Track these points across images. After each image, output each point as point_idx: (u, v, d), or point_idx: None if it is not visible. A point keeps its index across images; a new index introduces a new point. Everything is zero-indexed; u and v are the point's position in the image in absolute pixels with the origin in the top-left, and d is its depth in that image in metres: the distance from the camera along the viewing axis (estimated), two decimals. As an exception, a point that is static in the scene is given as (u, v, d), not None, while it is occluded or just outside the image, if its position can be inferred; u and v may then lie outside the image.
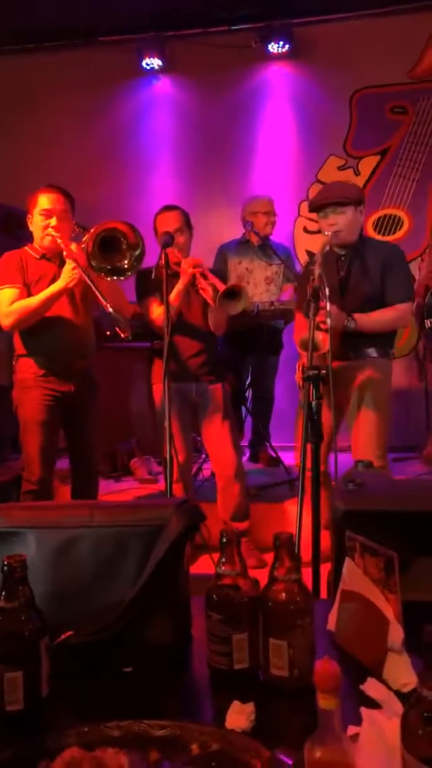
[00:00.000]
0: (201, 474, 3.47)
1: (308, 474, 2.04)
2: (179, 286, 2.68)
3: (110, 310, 2.34)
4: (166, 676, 0.98)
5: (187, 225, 2.83)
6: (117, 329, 2.39)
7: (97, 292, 2.36)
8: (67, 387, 2.61)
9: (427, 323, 3.47)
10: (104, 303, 2.34)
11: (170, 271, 2.80)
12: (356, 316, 2.49)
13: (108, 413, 3.02)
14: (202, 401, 2.86)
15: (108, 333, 3.59)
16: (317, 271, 2.19)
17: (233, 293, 2.54)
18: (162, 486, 3.09)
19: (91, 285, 2.38)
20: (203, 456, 3.47)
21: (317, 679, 0.65)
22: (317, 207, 2.56)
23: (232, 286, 2.57)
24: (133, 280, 2.75)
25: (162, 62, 4.61)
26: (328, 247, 2.47)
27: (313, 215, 2.77)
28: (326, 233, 2.49)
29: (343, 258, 2.57)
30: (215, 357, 2.95)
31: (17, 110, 4.67)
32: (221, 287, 2.53)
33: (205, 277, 2.64)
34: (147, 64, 4.63)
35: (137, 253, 2.39)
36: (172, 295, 2.69)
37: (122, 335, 2.38)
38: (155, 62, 4.61)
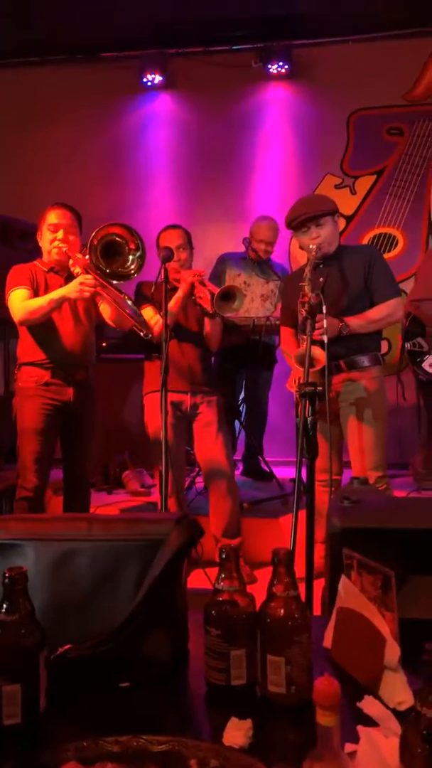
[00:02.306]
0: (194, 487, 3.47)
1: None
2: (179, 294, 2.76)
3: (129, 303, 2.45)
4: (163, 692, 0.98)
5: (189, 243, 2.90)
6: (135, 329, 2.49)
7: (117, 293, 2.45)
8: (67, 397, 2.64)
9: (407, 346, 3.50)
10: (125, 302, 2.45)
11: (170, 285, 2.84)
12: (348, 319, 2.49)
13: (101, 425, 3.02)
14: (197, 413, 2.87)
15: (104, 344, 3.61)
16: (308, 287, 2.21)
17: (229, 294, 2.58)
18: (153, 498, 3.09)
19: (111, 288, 2.46)
20: (196, 469, 3.47)
21: (317, 696, 0.66)
22: (298, 225, 2.57)
23: (228, 287, 2.62)
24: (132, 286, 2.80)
25: (163, 79, 4.67)
26: (314, 262, 2.50)
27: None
28: (310, 248, 2.51)
29: (322, 266, 2.59)
30: (210, 369, 2.97)
31: (20, 123, 4.73)
32: (217, 290, 2.59)
33: (203, 284, 2.70)
34: (148, 81, 4.69)
35: (139, 253, 2.45)
36: (172, 302, 2.73)
37: (141, 334, 2.47)
38: (156, 78, 4.68)
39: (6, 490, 3.40)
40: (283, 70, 4.55)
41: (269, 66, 4.54)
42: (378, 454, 2.58)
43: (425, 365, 3.15)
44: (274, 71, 4.56)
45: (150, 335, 2.49)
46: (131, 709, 0.93)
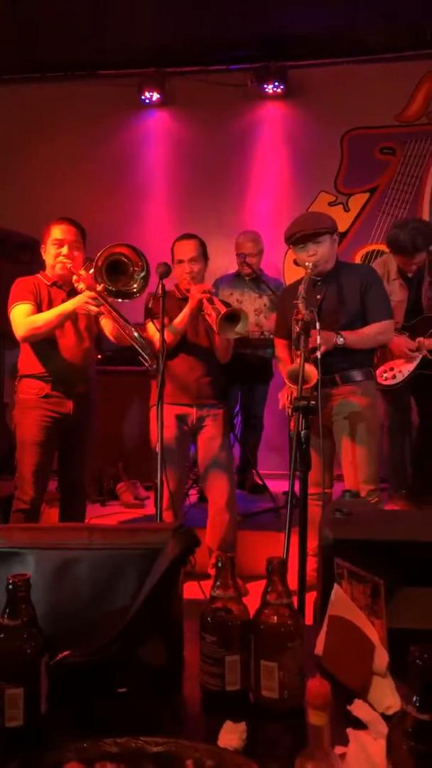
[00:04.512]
0: (188, 499, 3.49)
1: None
2: (186, 310, 2.75)
3: (135, 334, 2.46)
4: (160, 697, 1.01)
5: (203, 255, 2.90)
6: (140, 358, 2.48)
7: (120, 319, 2.48)
8: (67, 409, 2.66)
9: None
10: (126, 324, 2.46)
11: (181, 296, 2.87)
12: (344, 333, 2.54)
13: (97, 436, 3.05)
14: (202, 426, 2.86)
15: (99, 357, 3.65)
16: (302, 304, 2.26)
17: (233, 316, 2.58)
18: (148, 511, 3.10)
19: (114, 311, 2.49)
20: (190, 482, 3.49)
21: (309, 696, 0.69)
22: (296, 241, 2.62)
23: (232, 311, 2.61)
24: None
25: (161, 96, 4.76)
26: (312, 279, 2.55)
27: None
28: (306, 265, 2.56)
29: (320, 283, 2.64)
30: (220, 382, 2.95)
31: (20, 138, 4.80)
32: (223, 311, 2.59)
33: (211, 302, 2.70)
34: (146, 98, 4.77)
35: (143, 274, 2.49)
36: (178, 319, 2.76)
37: (146, 364, 2.46)
38: (154, 96, 4.76)
39: (1, 500, 3.42)
40: (279, 90, 4.65)
41: (265, 86, 4.64)
42: (370, 468, 2.62)
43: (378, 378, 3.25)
44: (270, 91, 4.65)
45: (148, 363, 2.46)
46: (129, 713, 0.96)
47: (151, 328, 2.78)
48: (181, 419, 2.83)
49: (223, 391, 3.02)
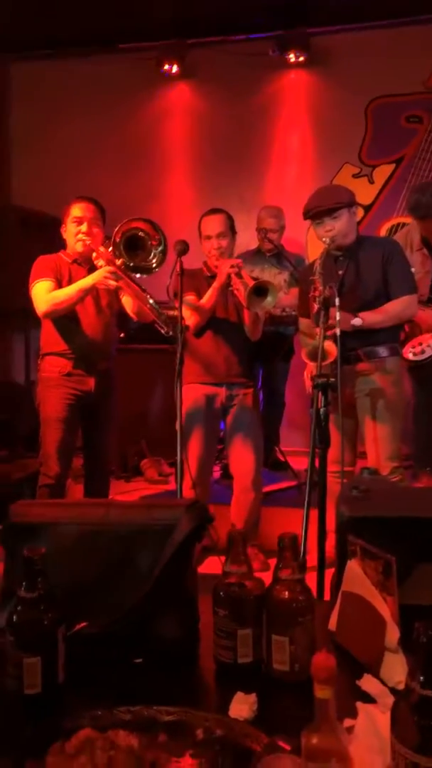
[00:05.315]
0: (211, 475, 3.52)
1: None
2: (215, 285, 2.72)
3: (151, 301, 2.47)
4: (174, 668, 1.04)
5: (231, 229, 2.85)
6: (157, 326, 2.51)
7: (138, 289, 2.50)
8: (89, 387, 2.70)
9: None
10: (146, 297, 2.49)
11: (210, 273, 2.84)
12: (362, 314, 2.49)
13: (121, 414, 3.08)
14: (232, 405, 2.85)
15: (121, 335, 3.67)
16: (319, 281, 2.22)
17: (261, 289, 2.53)
18: (171, 486, 3.14)
19: (133, 283, 2.50)
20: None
21: (314, 670, 0.70)
22: (313, 216, 2.57)
23: (261, 283, 2.56)
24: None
25: (180, 69, 4.68)
26: (333, 254, 2.50)
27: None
28: (324, 240, 2.52)
29: (341, 258, 2.59)
30: (248, 360, 2.92)
31: (40, 116, 4.78)
32: (251, 284, 2.55)
33: (240, 276, 2.65)
34: (166, 71, 4.70)
35: (161, 248, 2.49)
36: (206, 297, 2.74)
37: (162, 331, 2.49)
38: (174, 69, 4.68)
39: (28, 477, 3.50)
40: (301, 59, 4.51)
41: (287, 54, 4.52)
42: (393, 445, 2.59)
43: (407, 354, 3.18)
44: (292, 59, 4.53)
45: (164, 330, 2.49)
46: (144, 683, 0.99)
47: (183, 309, 2.73)
48: (210, 398, 2.82)
49: (253, 369, 3.00)
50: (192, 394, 2.81)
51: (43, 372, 2.74)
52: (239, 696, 0.90)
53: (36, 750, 0.77)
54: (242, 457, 2.87)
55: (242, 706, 0.89)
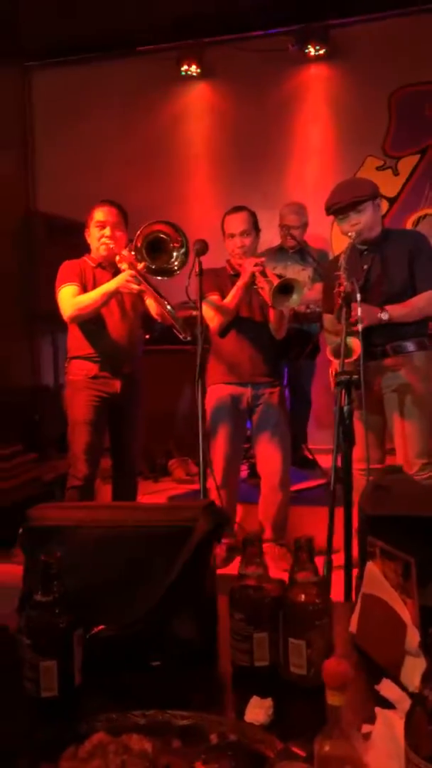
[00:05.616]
0: (239, 475, 3.51)
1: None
2: (239, 284, 2.71)
3: (168, 308, 2.50)
4: (192, 671, 1.03)
5: (254, 227, 2.83)
6: (175, 331, 2.53)
7: (157, 294, 2.52)
8: (115, 389, 2.72)
9: None
10: (164, 304, 2.51)
11: (234, 272, 2.83)
12: (388, 307, 2.45)
13: (148, 414, 3.10)
14: (258, 404, 2.83)
15: (147, 336, 3.69)
16: (344, 276, 2.19)
17: (287, 287, 2.51)
18: (199, 486, 3.14)
19: (151, 288, 2.53)
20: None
21: (325, 675, 0.69)
22: (336, 211, 2.53)
23: (285, 281, 2.53)
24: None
25: (200, 69, 4.67)
26: (357, 248, 2.46)
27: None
28: (349, 235, 2.47)
29: (366, 252, 2.55)
30: (274, 359, 2.90)
31: (61, 120, 4.83)
32: (276, 282, 2.52)
33: (264, 275, 2.63)
34: (185, 71, 4.70)
35: (183, 250, 2.51)
36: (230, 296, 2.73)
37: (180, 336, 2.52)
38: (193, 69, 4.68)
39: (58, 479, 3.56)
40: (321, 52, 4.45)
41: (306, 48, 4.46)
42: (422, 441, 2.54)
43: None
44: (312, 53, 4.47)
45: (188, 337, 2.48)
46: (161, 687, 0.98)
47: (205, 309, 2.71)
48: (236, 399, 2.81)
49: (278, 368, 2.97)
50: (217, 394, 2.81)
51: (70, 375, 2.78)
52: (255, 700, 0.89)
53: (50, 754, 0.78)
54: (269, 456, 2.85)
55: (258, 711, 0.88)
